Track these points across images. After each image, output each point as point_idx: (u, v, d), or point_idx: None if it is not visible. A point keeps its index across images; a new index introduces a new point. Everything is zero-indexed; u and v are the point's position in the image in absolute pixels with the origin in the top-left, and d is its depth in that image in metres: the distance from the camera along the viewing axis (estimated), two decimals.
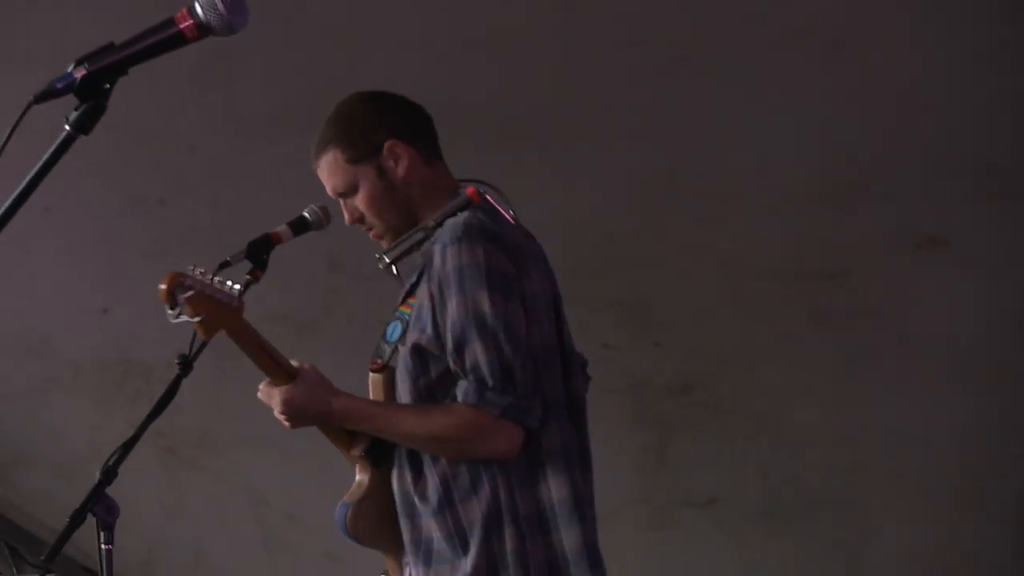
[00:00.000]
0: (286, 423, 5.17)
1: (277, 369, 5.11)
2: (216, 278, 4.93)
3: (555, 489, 5.07)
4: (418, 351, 5.05)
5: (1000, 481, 8.24)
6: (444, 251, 5.02)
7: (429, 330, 5.04)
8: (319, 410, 5.14)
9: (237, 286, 4.98)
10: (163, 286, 4.83)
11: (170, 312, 4.87)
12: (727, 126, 7.48)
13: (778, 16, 7.21)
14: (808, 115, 7.44)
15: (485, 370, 4.97)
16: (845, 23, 7.35)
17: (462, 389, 4.98)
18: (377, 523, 5.25)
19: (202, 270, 4.92)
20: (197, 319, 4.90)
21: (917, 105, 7.35)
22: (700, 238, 7.80)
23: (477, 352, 4.97)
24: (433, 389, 5.10)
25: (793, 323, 8.08)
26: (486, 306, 5.01)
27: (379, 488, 5.25)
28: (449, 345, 5.01)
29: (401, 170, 5.21)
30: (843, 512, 8.41)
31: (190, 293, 4.86)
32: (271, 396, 5.12)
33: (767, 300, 8.03)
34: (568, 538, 5.09)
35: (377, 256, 5.32)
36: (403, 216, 5.29)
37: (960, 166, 7.40)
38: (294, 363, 5.17)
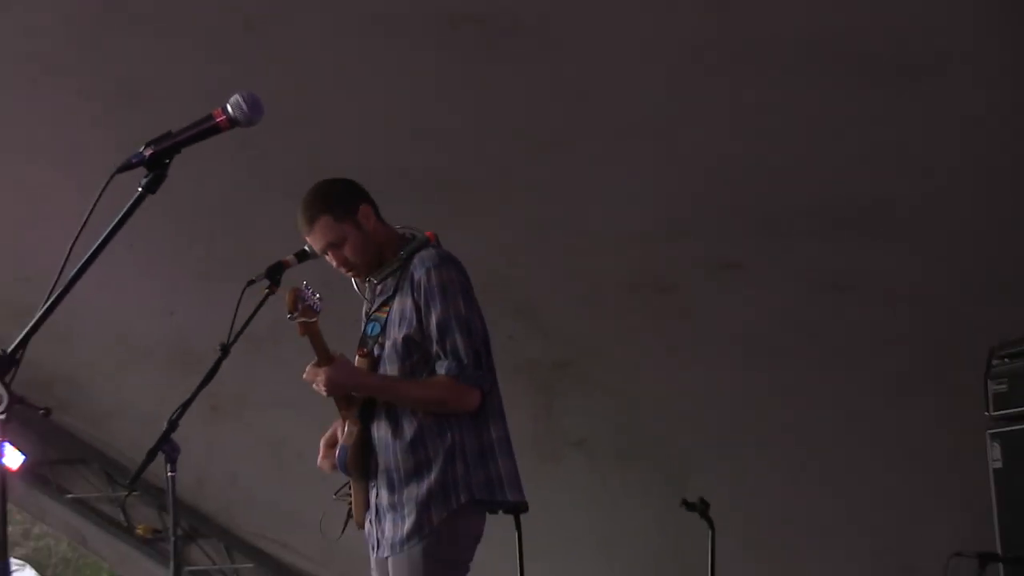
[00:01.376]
0: (325, 393, 5.34)
1: (324, 355, 5.22)
2: (317, 295, 5.17)
3: (494, 432, 5.27)
4: (407, 341, 5.21)
5: (772, 415, 8.21)
6: (429, 273, 5.20)
7: (415, 325, 5.20)
8: (351, 384, 5.31)
9: (320, 299, 5.18)
10: (289, 298, 5.11)
11: (290, 315, 5.13)
12: (590, 188, 7.35)
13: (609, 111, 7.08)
14: (644, 178, 7.26)
15: (462, 353, 5.17)
16: (666, 122, 7.03)
17: (444, 366, 5.18)
18: (358, 459, 5.31)
19: (310, 288, 5.17)
20: (303, 320, 5.12)
21: (718, 170, 7.03)
22: (573, 263, 7.75)
23: (457, 341, 5.17)
24: (415, 367, 5.25)
25: (639, 321, 8.02)
26: (462, 310, 5.22)
27: (361, 437, 5.32)
28: (435, 336, 5.18)
29: (370, 225, 5.37)
30: (675, 451, 8.35)
31: (305, 304, 5.12)
32: (317, 374, 5.26)
33: (621, 306, 8.00)
34: (503, 467, 5.25)
35: (367, 280, 5.42)
36: (375, 256, 5.36)
37: (746, 213, 7.18)
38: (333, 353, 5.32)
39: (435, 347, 5.18)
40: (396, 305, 5.30)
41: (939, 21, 6.32)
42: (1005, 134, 6.69)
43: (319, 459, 5.49)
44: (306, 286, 5.17)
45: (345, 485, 5.49)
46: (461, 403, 5.21)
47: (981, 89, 6.55)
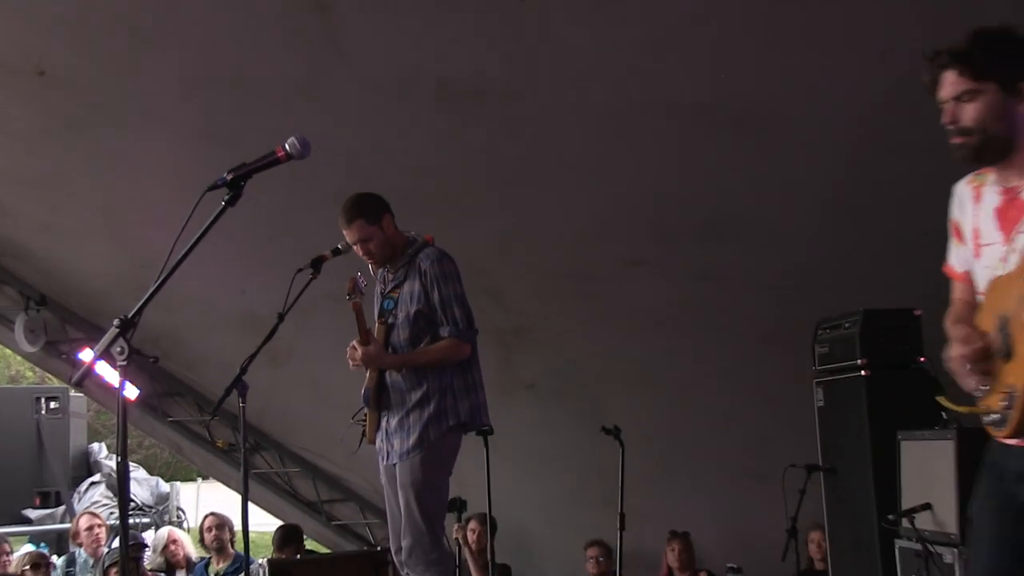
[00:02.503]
0: (363, 366, 5.35)
1: (365, 333, 5.30)
2: (365, 283, 5.29)
3: (475, 373, 5.41)
4: (418, 314, 5.31)
5: (666, 369, 8.20)
6: (433, 264, 5.32)
7: (422, 302, 5.29)
8: (379, 363, 5.32)
9: (365, 286, 5.29)
10: (349, 283, 5.19)
11: (348, 297, 5.20)
12: (540, 207, 7.28)
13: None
14: (577, 200, 7.18)
15: (459, 319, 5.31)
16: (593, 160, 6.97)
17: (447, 330, 5.27)
18: (376, 396, 5.36)
19: (362, 277, 5.27)
20: (356, 300, 5.19)
21: (627, 195, 7.08)
22: (526, 259, 7.70)
23: (455, 312, 5.31)
24: (421, 330, 5.31)
25: (572, 300, 7.98)
26: (457, 290, 5.35)
27: (378, 380, 5.36)
28: (438, 308, 5.30)
29: (389, 230, 5.39)
30: (597, 392, 8.40)
31: (359, 290, 5.21)
32: (357, 353, 5.30)
33: (559, 289, 7.93)
34: (481, 398, 5.41)
35: (384, 268, 5.45)
36: (391, 251, 5.44)
37: (647, 225, 7.27)
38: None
39: (438, 316, 5.30)
40: (406, 288, 5.37)
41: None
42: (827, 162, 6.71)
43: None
44: (360, 277, 5.30)
45: (360, 411, 5.55)
46: (459, 355, 5.35)
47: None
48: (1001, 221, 3.09)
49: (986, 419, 3.03)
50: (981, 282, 3.18)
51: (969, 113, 3.06)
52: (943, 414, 5.58)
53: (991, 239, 3.12)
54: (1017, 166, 3.07)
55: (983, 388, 3.03)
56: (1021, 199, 3.05)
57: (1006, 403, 2.94)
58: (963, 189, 3.24)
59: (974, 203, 3.19)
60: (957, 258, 3.33)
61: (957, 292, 3.34)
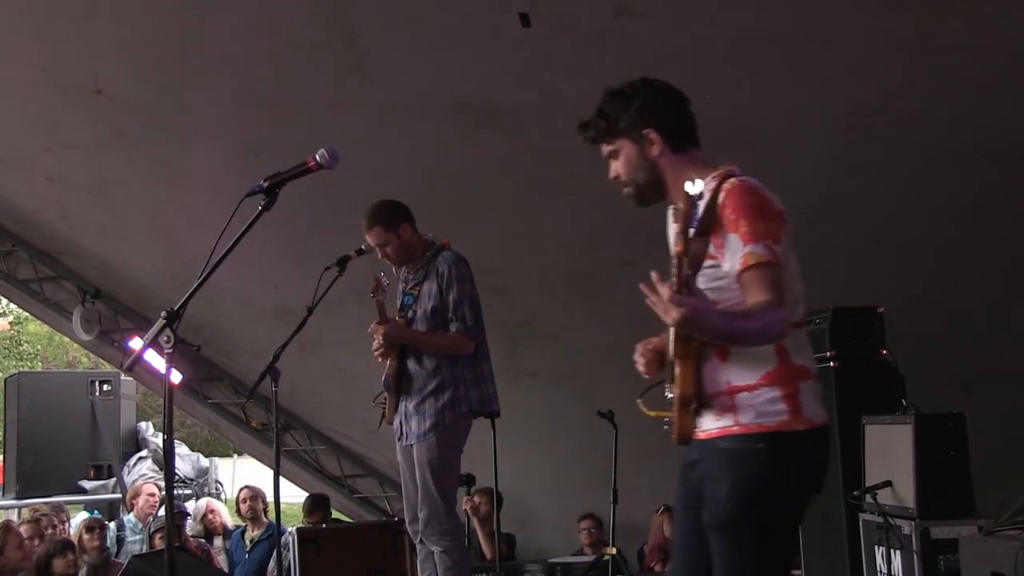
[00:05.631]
0: (383, 344, 5.36)
1: (384, 317, 5.36)
2: (387, 281, 5.36)
3: (484, 366, 5.44)
4: (434, 310, 5.35)
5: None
6: (449, 267, 5.36)
7: (438, 300, 5.33)
8: (399, 336, 5.35)
9: (388, 284, 5.36)
10: (373, 283, 5.29)
11: (372, 295, 5.29)
12: (542, 213, 7.26)
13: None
14: (576, 207, 7.11)
15: (468, 318, 5.34)
16: (590, 171, 7.04)
17: (455, 326, 5.33)
18: (396, 381, 5.41)
19: (384, 277, 5.35)
20: (379, 298, 5.27)
21: (625, 202, 7.05)
22: (531, 260, 7.68)
23: (465, 311, 5.34)
24: (436, 326, 5.35)
25: (571, 297, 7.95)
26: (470, 291, 5.38)
27: (398, 368, 5.40)
28: (451, 307, 5.32)
29: (407, 235, 5.41)
30: (593, 379, 8.16)
31: (382, 288, 5.30)
32: (377, 331, 5.34)
33: (560, 287, 7.91)
34: (490, 388, 5.44)
35: (404, 267, 5.49)
36: (409, 255, 5.49)
37: (639, 229, 7.12)
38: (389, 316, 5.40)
39: (450, 314, 5.32)
40: (424, 287, 5.40)
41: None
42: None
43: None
44: (383, 277, 5.32)
45: (380, 395, 5.57)
46: (463, 350, 5.36)
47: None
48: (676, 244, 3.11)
49: (664, 425, 3.09)
50: None
51: (619, 168, 3.17)
52: (902, 401, 5.63)
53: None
54: (676, 197, 3.06)
55: (669, 396, 3.09)
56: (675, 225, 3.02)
57: (671, 416, 3.04)
58: (669, 213, 3.20)
59: (672, 224, 3.16)
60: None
61: None
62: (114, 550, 8.73)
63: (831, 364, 6.07)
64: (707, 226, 2.89)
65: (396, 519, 7.43)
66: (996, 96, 5.86)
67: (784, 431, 2.91)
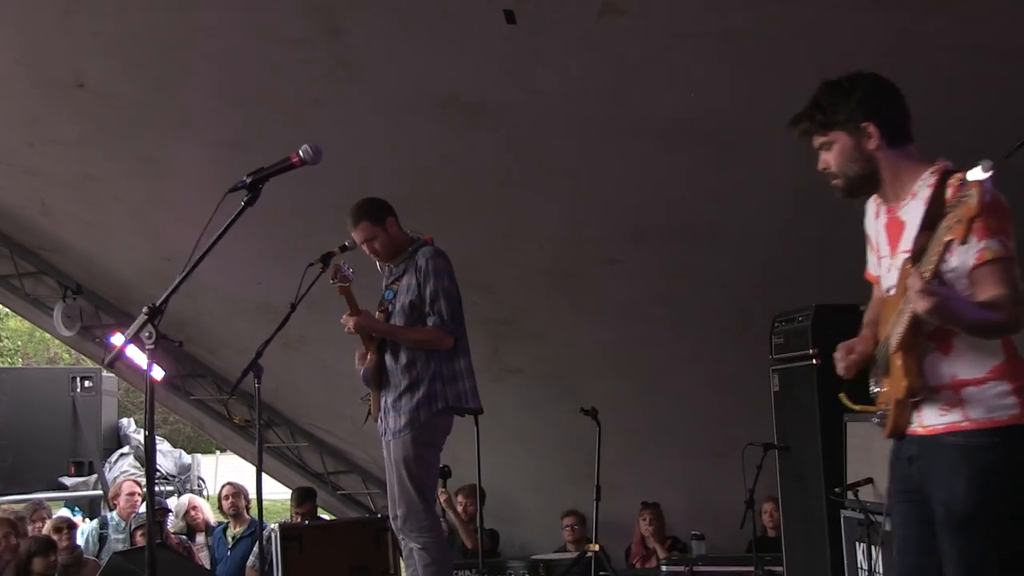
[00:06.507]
0: (353, 332, 5.39)
1: (356, 308, 5.36)
2: (351, 270, 5.31)
3: (462, 362, 5.41)
4: (411, 304, 5.34)
5: (638, 356, 8.20)
6: (427, 261, 5.35)
7: (416, 295, 5.33)
8: (370, 328, 5.38)
9: (352, 273, 5.31)
10: (332, 271, 5.25)
11: (331, 281, 5.27)
12: (527, 211, 7.27)
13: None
14: (560, 205, 7.18)
15: (445, 313, 5.33)
16: (576, 170, 6.97)
17: (432, 320, 5.32)
18: (375, 376, 5.41)
19: (348, 265, 5.30)
20: (340, 284, 5.25)
21: (605, 202, 7.08)
22: (514, 257, 7.66)
23: (442, 305, 5.33)
24: (415, 320, 5.34)
25: (554, 294, 7.91)
26: (447, 285, 5.36)
27: (377, 363, 5.41)
28: (428, 300, 5.31)
29: (392, 230, 5.43)
30: (576, 376, 8.36)
31: (341, 275, 5.26)
32: (348, 321, 5.35)
33: (543, 284, 7.86)
34: (467, 385, 5.39)
35: (388, 263, 5.49)
36: (394, 250, 5.49)
37: (623, 227, 7.22)
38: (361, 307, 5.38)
39: (427, 308, 5.29)
40: (404, 281, 5.40)
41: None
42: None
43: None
44: (344, 264, 5.28)
45: (368, 394, 5.56)
46: (440, 344, 5.33)
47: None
48: (889, 236, 3.20)
49: (874, 418, 3.18)
50: (881, 289, 3.30)
51: (831, 160, 3.19)
52: None
53: (884, 252, 3.24)
54: (890, 192, 3.17)
55: (876, 389, 3.19)
56: (898, 217, 3.16)
57: (883, 411, 3.13)
58: (870, 204, 3.32)
59: (875, 218, 3.30)
60: (871, 265, 3.41)
61: (875, 293, 3.42)
62: (97, 548, 8.72)
63: (814, 361, 6.10)
64: (933, 221, 2.90)
65: (379, 516, 7.43)
66: (980, 96, 5.88)
67: (1017, 424, 2.94)
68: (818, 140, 3.21)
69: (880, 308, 3.28)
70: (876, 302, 3.38)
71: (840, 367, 3.26)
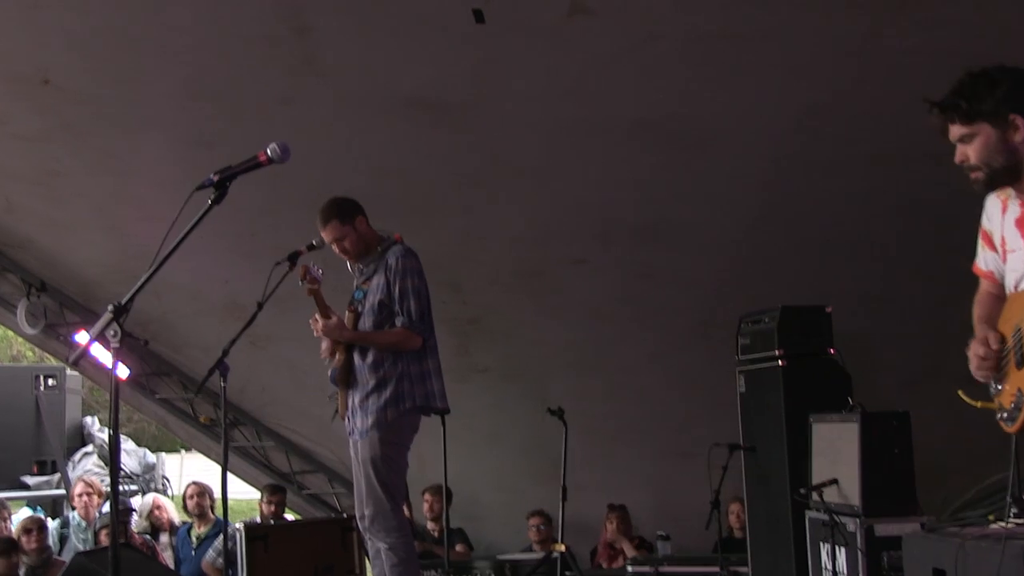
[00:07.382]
0: (323, 335, 5.40)
1: (325, 311, 5.34)
2: (320, 270, 5.28)
3: (430, 362, 5.40)
4: (380, 303, 5.33)
5: (604, 355, 8.23)
6: (397, 260, 5.34)
7: (385, 293, 5.31)
8: (338, 335, 5.36)
9: (322, 273, 5.29)
10: (301, 271, 5.22)
11: (300, 282, 5.24)
12: (495, 212, 7.29)
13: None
14: (527, 206, 7.19)
15: (413, 312, 5.32)
16: (543, 171, 7.00)
17: (400, 321, 5.30)
18: (344, 375, 5.40)
19: (317, 265, 5.28)
20: (309, 286, 5.22)
21: (575, 205, 7.16)
22: (482, 257, 7.67)
23: (411, 304, 5.31)
24: (384, 319, 5.32)
25: (521, 294, 7.90)
26: (416, 284, 5.35)
27: (346, 362, 5.39)
28: (397, 300, 5.30)
29: (362, 229, 5.40)
30: (543, 376, 8.36)
31: (310, 276, 5.23)
32: (318, 323, 5.34)
33: (510, 284, 7.86)
34: (435, 385, 5.38)
35: (358, 262, 5.47)
36: (364, 249, 5.47)
37: (587, 228, 7.32)
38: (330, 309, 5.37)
39: (396, 307, 5.28)
40: (375, 280, 5.38)
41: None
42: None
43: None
44: (313, 265, 5.27)
45: (335, 392, 5.54)
46: (409, 344, 5.32)
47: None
48: (1022, 229, 3.17)
49: (998, 415, 3.15)
50: (1009, 284, 3.25)
51: (971, 152, 3.12)
52: (849, 399, 5.68)
53: (1015, 246, 3.20)
54: None
55: (998, 387, 3.15)
56: None
57: (1015, 404, 3.07)
58: (992, 201, 3.28)
59: (1001, 214, 3.25)
60: (983, 261, 3.39)
61: (983, 287, 3.40)
62: (58, 548, 8.65)
63: (779, 363, 6.13)
64: None
65: (345, 515, 7.41)
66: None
67: None
68: (957, 131, 3.13)
69: (994, 304, 3.28)
70: (989, 297, 3.36)
71: (973, 362, 3.21)
